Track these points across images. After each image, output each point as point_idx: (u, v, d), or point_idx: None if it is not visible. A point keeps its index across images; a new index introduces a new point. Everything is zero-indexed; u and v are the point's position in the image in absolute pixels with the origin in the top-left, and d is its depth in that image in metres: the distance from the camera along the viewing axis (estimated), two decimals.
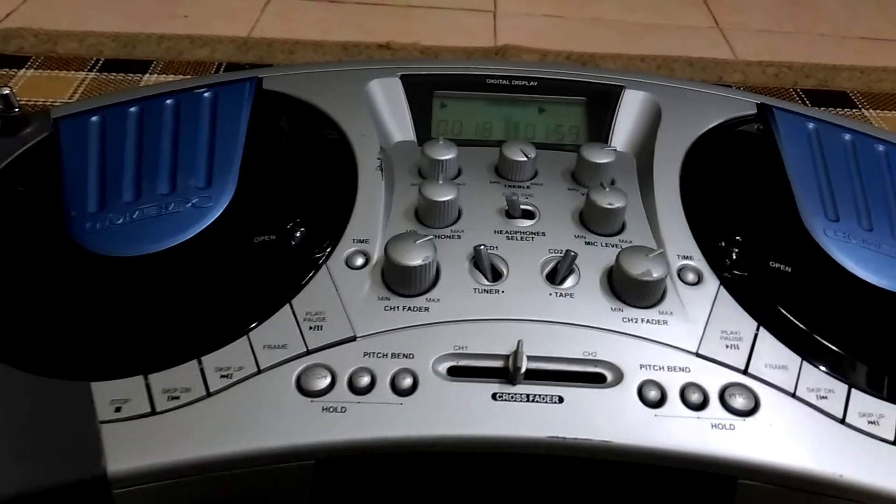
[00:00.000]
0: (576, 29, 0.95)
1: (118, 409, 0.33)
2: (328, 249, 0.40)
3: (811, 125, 0.48)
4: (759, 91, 0.81)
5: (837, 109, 0.79)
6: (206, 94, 0.47)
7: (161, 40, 0.84)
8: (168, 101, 0.46)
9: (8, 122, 0.46)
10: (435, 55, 0.85)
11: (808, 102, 0.80)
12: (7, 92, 0.46)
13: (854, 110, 0.79)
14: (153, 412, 0.33)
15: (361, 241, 0.40)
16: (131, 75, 0.79)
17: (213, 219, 0.40)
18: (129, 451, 0.32)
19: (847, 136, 0.48)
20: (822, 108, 0.79)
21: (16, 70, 0.77)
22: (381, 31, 0.89)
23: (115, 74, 0.79)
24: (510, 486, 0.37)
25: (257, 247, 0.39)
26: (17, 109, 0.46)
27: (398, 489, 0.36)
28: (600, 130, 0.49)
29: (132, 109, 0.46)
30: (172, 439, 0.33)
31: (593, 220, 0.42)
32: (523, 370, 0.35)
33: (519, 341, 0.36)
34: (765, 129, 0.49)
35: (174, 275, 0.38)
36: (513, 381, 0.35)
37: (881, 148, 0.48)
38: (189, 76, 0.79)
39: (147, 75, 0.79)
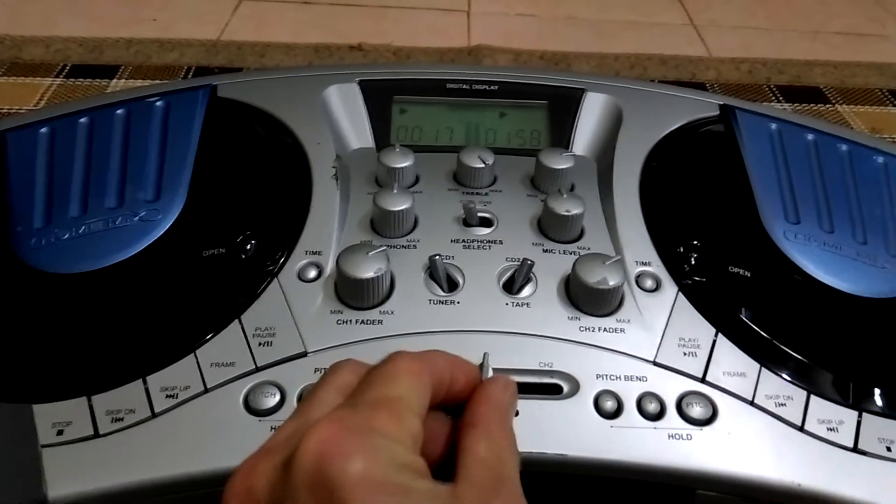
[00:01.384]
0: (550, 28, 0.94)
1: (60, 433, 0.32)
2: (280, 262, 0.39)
3: (773, 126, 0.48)
4: (732, 87, 0.80)
5: (811, 105, 0.78)
6: (157, 104, 0.46)
7: (129, 45, 0.83)
8: (119, 112, 0.45)
9: None
10: (407, 56, 0.84)
11: (781, 98, 0.79)
12: None
13: (827, 106, 0.78)
14: (96, 435, 0.32)
15: (314, 253, 0.39)
16: (98, 81, 0.78)
17: (160, 233, 0.39)
18: (71, 475, 0.31)
19: (810, 137, 0.47)
20: (796, 104, 0.78)
21: None
22: (353, 32, 0.88)
23: (82, 80, 0.77)
24: None
25: (206, 261, 0.38)
26: None
27: None
28: (562, 134, 0.49)
29: (82, 120, 0.45)
30: (116, 463, 0.32)
31: (551, 227, 0.41)
32: None
33: (485, 354, 0.35)
34: (726, 131, 0.48)
35: (119, 292, 0.37)
36: None
37: (844, 148, 0.47)
38: (157, 81, 0.78)
39: (115, 80, 0.78)
